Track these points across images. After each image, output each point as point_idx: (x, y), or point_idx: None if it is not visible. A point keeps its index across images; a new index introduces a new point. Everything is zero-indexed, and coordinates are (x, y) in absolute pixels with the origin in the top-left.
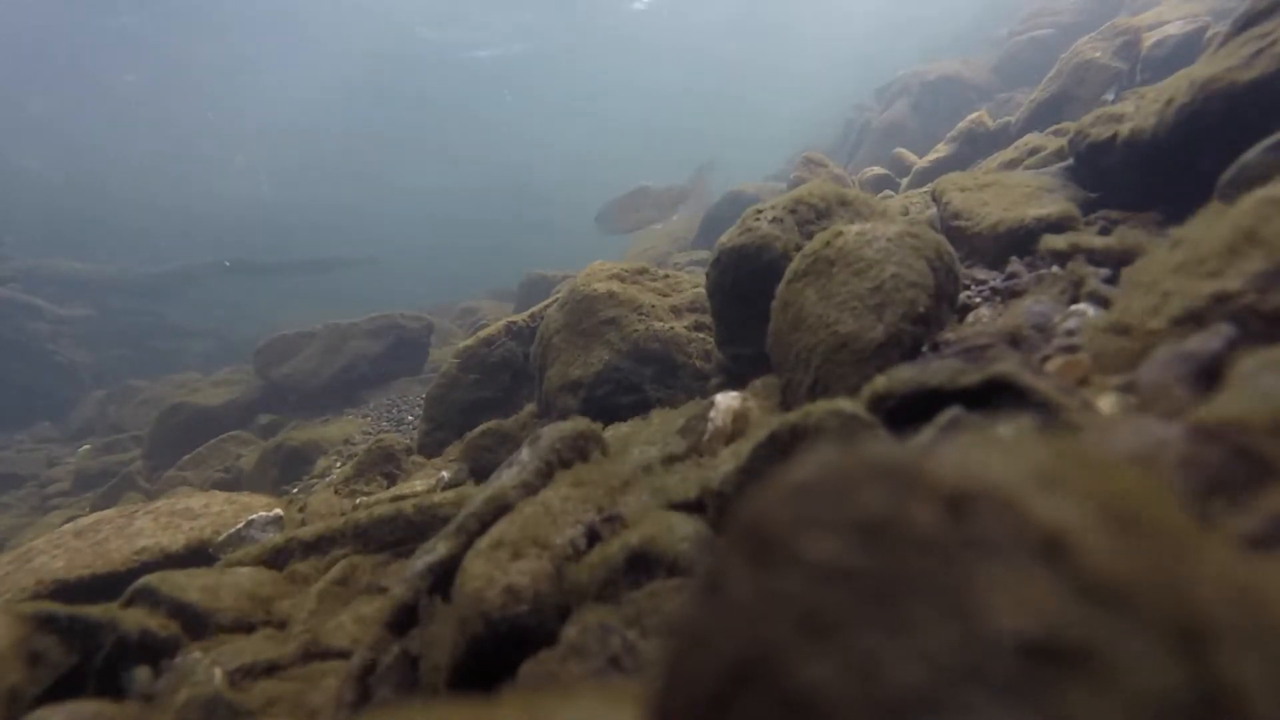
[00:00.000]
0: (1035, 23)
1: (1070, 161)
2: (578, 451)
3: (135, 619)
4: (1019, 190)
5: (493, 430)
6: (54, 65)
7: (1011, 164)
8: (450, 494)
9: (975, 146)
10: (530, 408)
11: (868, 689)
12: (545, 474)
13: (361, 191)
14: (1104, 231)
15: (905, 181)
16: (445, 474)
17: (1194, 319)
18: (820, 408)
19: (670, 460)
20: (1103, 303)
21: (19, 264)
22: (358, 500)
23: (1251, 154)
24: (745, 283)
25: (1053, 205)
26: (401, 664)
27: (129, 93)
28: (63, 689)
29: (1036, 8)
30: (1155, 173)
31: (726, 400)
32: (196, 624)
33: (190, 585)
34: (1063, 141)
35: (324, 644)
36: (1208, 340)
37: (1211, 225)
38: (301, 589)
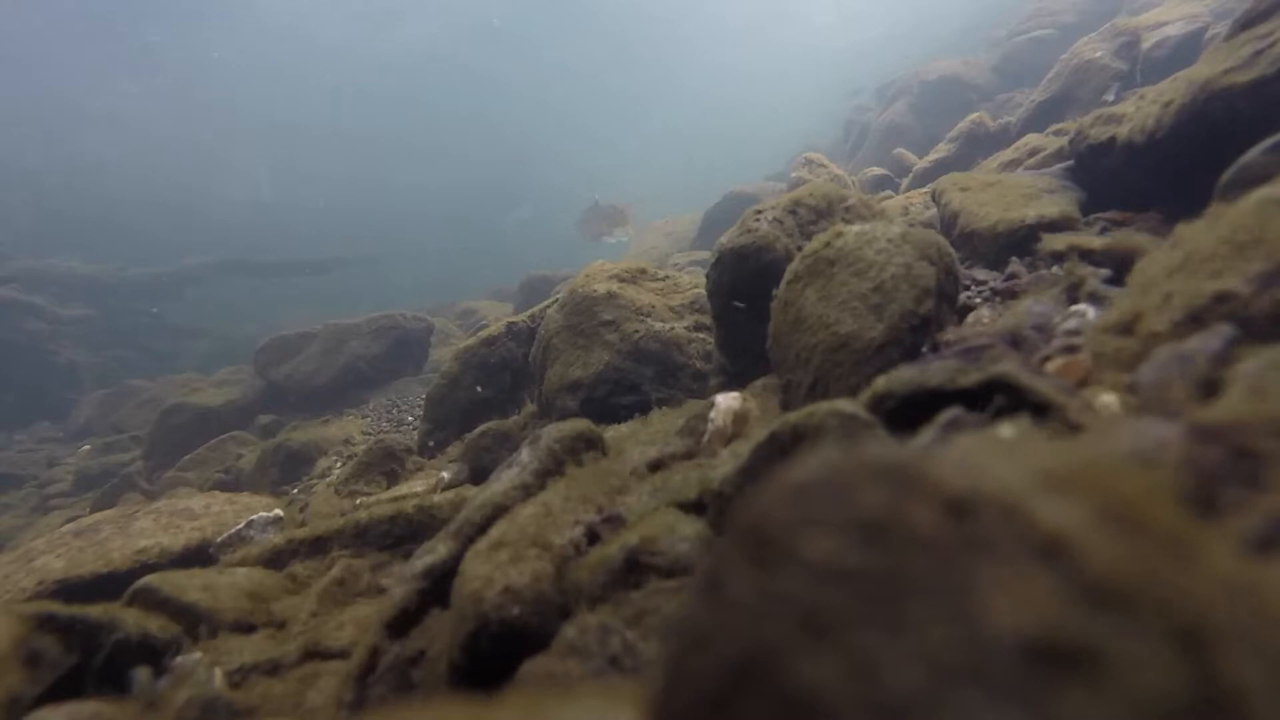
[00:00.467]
0: (1035, 23)
1: (1070, 162)
2: (577, 452)
3: (135, 619)
4: (1019, 191)
5: (493, 431)
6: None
7: (1012, 164)
8: (450, 494)
9: (975, 147)
10: (530, 408)
11: (867, 689)
12: (545, 474)
13: (362, 192)
14: (1104, 232)
15: (905, 182)
16: (445, 474)
17: (1194, 319)
18: (820, 408)
19: (670, 460)
20: (1102, 303)
21: (19, 264)
22: (358, 501)
23: (1251, 154)
24: (745, 283)
25: (1053, 206)
26: (401, 664)
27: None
28: (63, 689)
29: (1036, 8)
30: (1155, 173)
31: (726, 401)
32: (197, 624)
33: (190, 585)
34: (1063, 142)
35: (324, 644)
36: (1208, 340)
37: (1211, 225)
38: (301, 589)
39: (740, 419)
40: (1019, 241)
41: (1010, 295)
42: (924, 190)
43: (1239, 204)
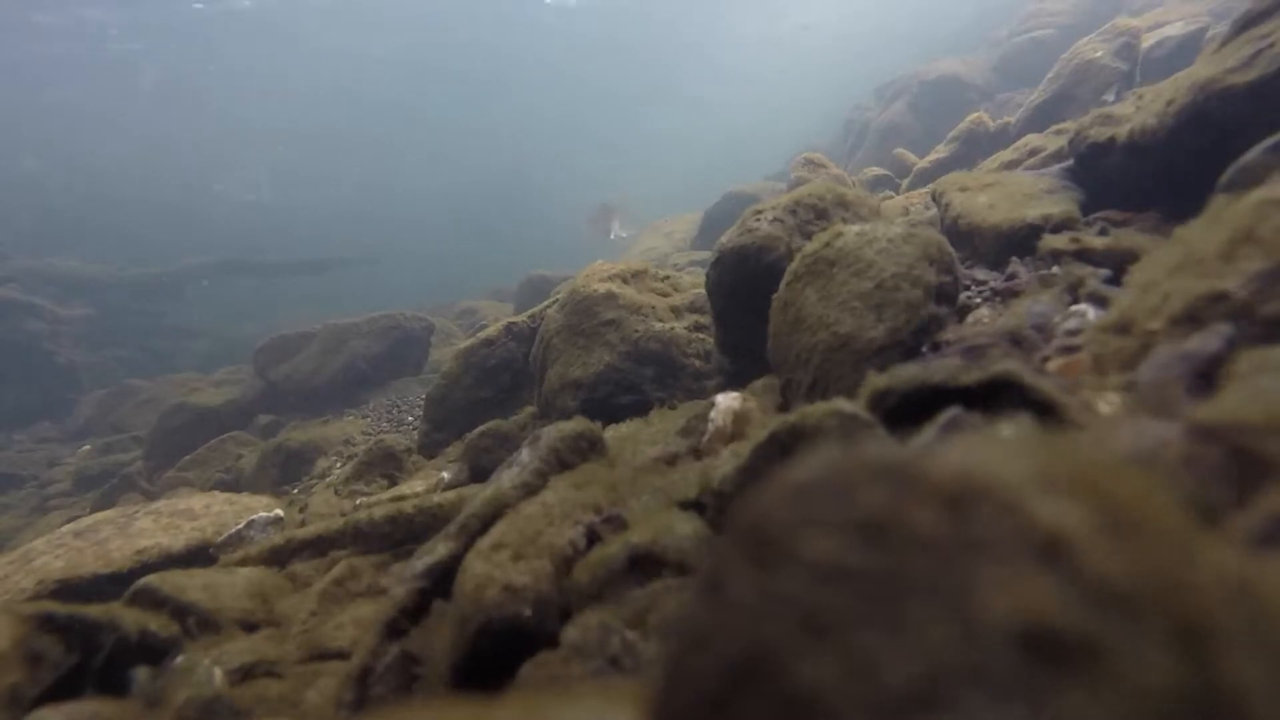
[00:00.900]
0: (1035, 23)
1: (1070, 162)
2: (578, 452)
3: (135, 619)
4: (1019, 191)
5: (493, 431)
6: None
7: (1011, 164)
8: (450, 495)
9: (975, 147)
10: (530, 408)
11: (867, 688)
12: (545, 475)
13: (362, 192)
14: (1104, 232)
15: (905, 182)
16: (445, 475)
17: (1193, 319)
18: (820, 408)
19: (671, 460)
20: (1102, 303)
21: (19, 264)
22: (358, 501)
23: (1251, 155)
24: (745, 283)
25: (1053, 206)
26: (401, 664)
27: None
28: (63, 689)
29: (1036, 8)
30: (1155, 173)
31: (727, 401)
32: (197, 624)
33: (190, 585)
34: (1063, 142)
35: (324, 644)
36: (1207, 340)
37: (1211, 226)
38: (301, 589)
39: (740, 419)
40: (1019, 241)
41: (1010, 295)
42: (924, 190)
43: (1238, 204)
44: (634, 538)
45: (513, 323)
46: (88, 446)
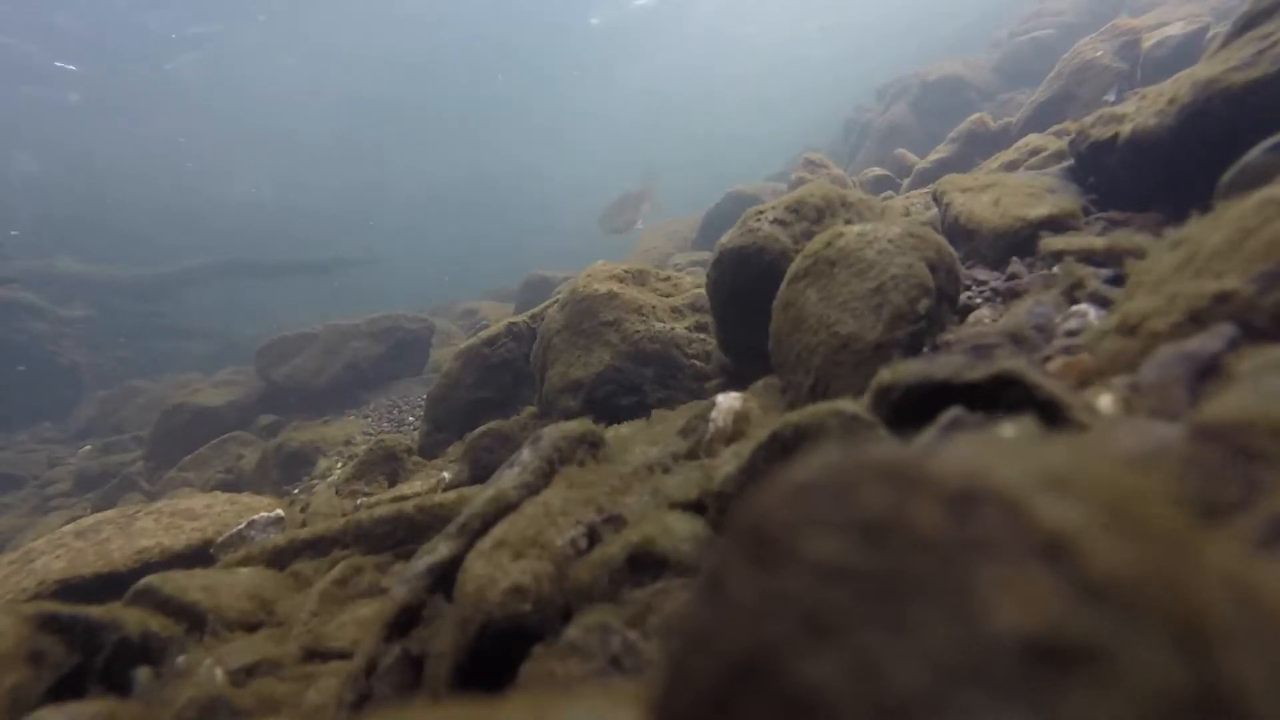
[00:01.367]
0: (1036, 23)
1: (1071, 162)
2: (579, 452)
3: (137, 619)
4: (1020, 191)
5: (493, 431)
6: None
7: (1012, 164)
8: (451, 494)
9: (976, 147)
10: (531, 409)
11: (869, 689)
12: (546, 474)
13: (362, 192)
14: (1105, 232)
15: (906, 182)
16: (446, 475)
17: (1195, 319)
18: (821, 408)
19: (671, 460)
20: (1103, 303)
21: (19, 264)
22: (359, 501)
23: (1252, 154)
24: (746, 283)
25: (1054, 206)
26: (402, 664)
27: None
28: (65, 689)
29: (1037, 8)
30: (1156, 173)
31: (727, 401)
32: (198, 624)
33: (192, 585)
34: (1063, 142)
35: (325, 644)
36: (1209, 340)
37: (1213, 225)
38: (303, 589)
39: (741, 419)
40: (1020, 241)
41: (1011, 295)
42: (925, 190)
43: (1240, 203)
44: (635, 537)
45: (513, 323)
46: (89, 447)
